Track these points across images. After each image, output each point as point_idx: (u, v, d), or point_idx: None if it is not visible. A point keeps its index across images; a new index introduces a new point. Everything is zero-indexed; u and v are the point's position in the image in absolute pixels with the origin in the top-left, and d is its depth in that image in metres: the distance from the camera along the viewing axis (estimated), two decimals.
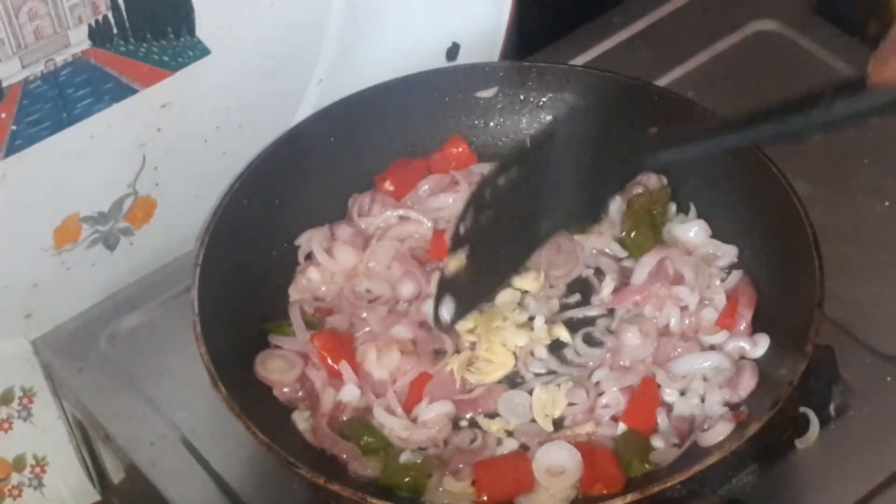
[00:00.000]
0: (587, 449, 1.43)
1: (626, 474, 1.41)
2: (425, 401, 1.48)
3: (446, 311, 1.45)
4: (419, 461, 1.43)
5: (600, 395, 1.48)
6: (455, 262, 1.44)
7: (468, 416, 1.49)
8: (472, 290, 1.45)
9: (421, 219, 1.64)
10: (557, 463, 1.42)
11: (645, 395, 1.47)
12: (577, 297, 1.59)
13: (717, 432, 1.41)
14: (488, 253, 1.44)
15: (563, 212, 1.42)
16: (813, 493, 1.47)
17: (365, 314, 1.56)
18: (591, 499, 1.39)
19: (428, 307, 1.53)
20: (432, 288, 1.54)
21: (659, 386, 1.48)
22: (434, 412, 1.47)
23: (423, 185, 1.67)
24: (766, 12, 1.94)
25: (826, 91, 1.28)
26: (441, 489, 1.41)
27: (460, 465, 1.42)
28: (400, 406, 1.48)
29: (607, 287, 1.58)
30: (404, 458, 1.43)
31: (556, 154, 1.43)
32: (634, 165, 1.43)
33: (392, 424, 1.47)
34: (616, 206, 1.62)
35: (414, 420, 1.48)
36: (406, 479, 1.41)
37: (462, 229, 1.44)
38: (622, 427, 1.46)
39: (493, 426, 1.48)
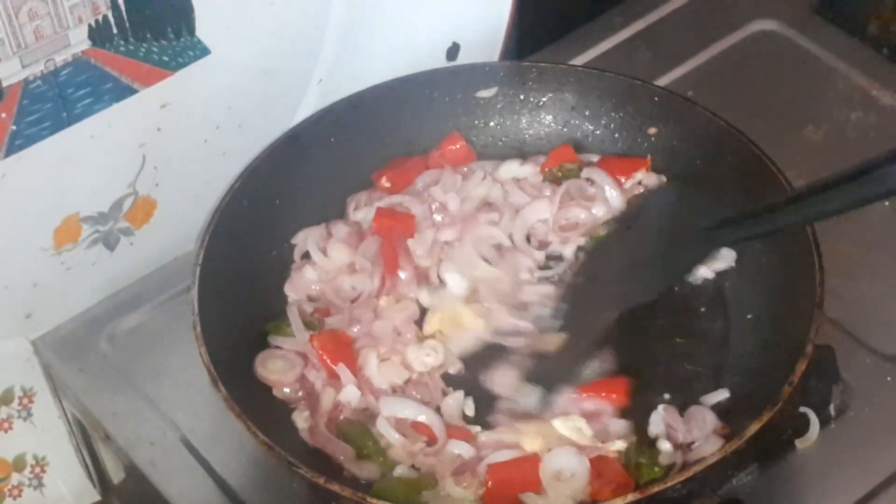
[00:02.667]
0: (596, 456, 1.42)
1: (635, 479, 1.40)
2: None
3: (533, 399, 1.46)
4: (414, 476, 1.42)
5: None
6: (553, 341, 1.48)
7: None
8: (570, 362, 1.48)
9: (412, 206, 1.63)
10: (566, 468, 1.41)
11: None
12: None
13: (705, 450, 1.40)
14: (582, 320, 1.49)
15: (638, 286, 1.47)
16: (813, 493, 1.47)
17: (360, 315, 1.55)
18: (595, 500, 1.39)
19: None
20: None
21: None
22: (449, 449, 1.45)
23: (420, 181, 1.67)
24: (766, 12, 1.94)
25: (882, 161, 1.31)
26: (443, 494, 1.40)
27: (464, 472, 1.42)
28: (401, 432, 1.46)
29: None
30: (399, 471, 1.42)
31: (644, 227, 1.51)
32: (709, 243, 1.47)
33: (395, 442, 1.45)
34: (616, 205, 1.62)
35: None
36: (398, 494, 1.39)
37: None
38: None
39: None
